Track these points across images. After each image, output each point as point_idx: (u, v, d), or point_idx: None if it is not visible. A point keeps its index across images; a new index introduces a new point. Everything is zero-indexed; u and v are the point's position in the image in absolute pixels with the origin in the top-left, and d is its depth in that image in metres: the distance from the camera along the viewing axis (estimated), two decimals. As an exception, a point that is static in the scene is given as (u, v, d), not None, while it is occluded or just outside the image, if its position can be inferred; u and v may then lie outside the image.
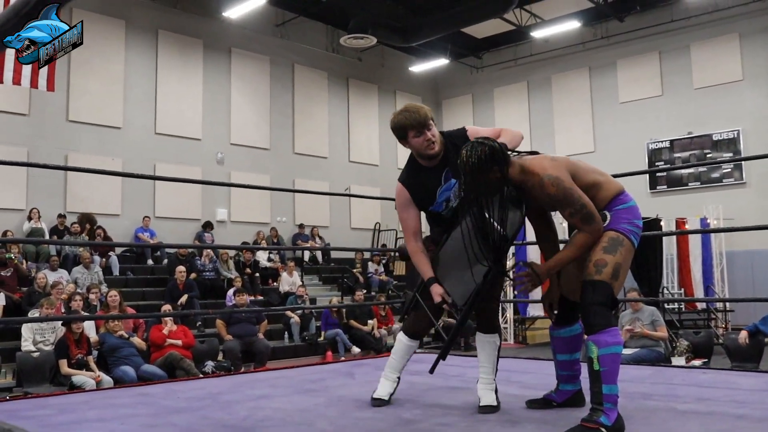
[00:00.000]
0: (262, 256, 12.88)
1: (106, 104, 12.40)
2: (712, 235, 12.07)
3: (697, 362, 6.88)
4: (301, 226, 14.67)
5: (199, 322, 9.62)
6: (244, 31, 14.39)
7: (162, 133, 13.15)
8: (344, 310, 10.43)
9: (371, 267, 13.82)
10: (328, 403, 3.15)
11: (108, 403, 3.26)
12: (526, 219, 2.81)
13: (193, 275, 10.56)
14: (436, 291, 2.84)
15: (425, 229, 3.04)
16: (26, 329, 6.91)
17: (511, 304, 11.96)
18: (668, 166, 13.93)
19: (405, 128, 2.84)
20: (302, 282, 11.92)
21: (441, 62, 16.85)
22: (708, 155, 13.95)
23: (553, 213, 2.93)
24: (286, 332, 10.29)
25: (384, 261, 14.54)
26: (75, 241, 10.40)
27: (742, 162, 13.46)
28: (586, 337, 2.55)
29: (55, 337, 6.88)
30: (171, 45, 13.44)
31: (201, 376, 6.87)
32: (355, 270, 13.72)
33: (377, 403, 3.00)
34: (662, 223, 11.35)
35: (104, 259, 10.86)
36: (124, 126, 12.66)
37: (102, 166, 11.02)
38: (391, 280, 13.64)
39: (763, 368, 6.11)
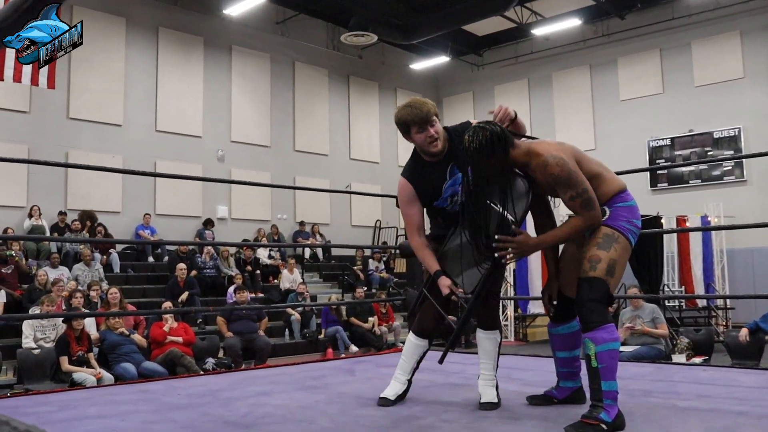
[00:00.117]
0: (262, 254, 12.88)
1: (106, 102, 12.40)
2: (713, 232, 12.08)
3: (697, 359, 6.88)
4: (301, 223, 14.67)
5: (200, 320, 9.63)
6: (245, 28, 14.38)
7: (162, 130, 13.14)
8: (344, 307, 10.44)
9: (372, 264, 13.83)
10: (329, 400, 3.15)
11: (109, 400, 3.27)
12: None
13: (193, 272, 10.57)
14: (444, 283, 2.80)
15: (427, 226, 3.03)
16: (27, 326, 6.92)
17: (512, 302, 11.97)
18: (669, 163, 13.91)
19: (407, 124, 2.82)
20: (303, 279, 11.94)
21: (442, 60, 16.83)
22: (709, 153, 13.94)
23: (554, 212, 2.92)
24: (286, 329, 10.30)
25: (384, 258, 14.55)
26: (76, 238, 10.41)
27: (743, 160, 13.45)
28: (583, 334, 2.55)
29: (56, 334, 6.89)
30: (171, 42, 13.43)
31: (201, 373, 6.86)
32: (355, 267, 13.73)
33: (381, 402, 2.97)
34: (663, 221, 11.35)
35: (105, 257, 10.87)
36: (124, 123, 12.65)
37: (103, 163, 11.01)
38: (392, 278, 13.65)
39: (763, 366, 6.11)
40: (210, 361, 7.85)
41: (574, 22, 14.78)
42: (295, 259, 12.64)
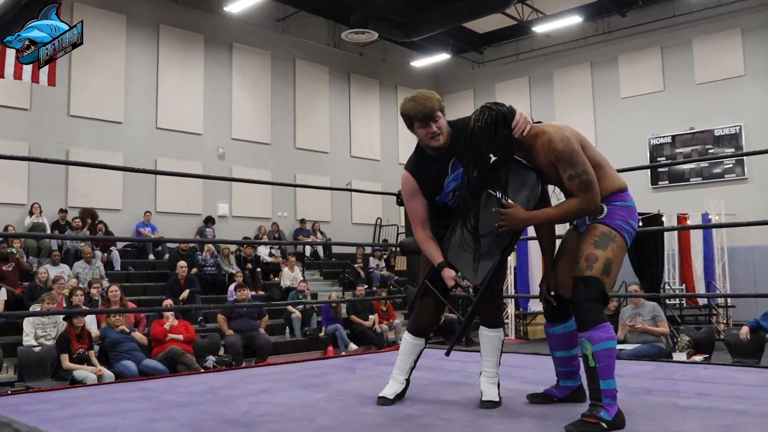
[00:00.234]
0: (263, 251, 12.88)
1: (107, 99, 12.39)
2: (714, 230, 12.06)
3: (698, 358, 6.88)
4: (302, 221, 14.67)
5: (201, 317, 9.64)
6: (245, 25, 14.37)
7: (163, 128, 13.14)
8: (344, 305, 10.44)
9: (372, 262, 13.82)
10: (329, 398, 3.15)
11: (109, 398, 3.27)
12: None
13: (194, 270, 10.57)
14: (448, 275, 2.79)
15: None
16: (28, 324, 6.93)
17: (513, 300, 11.97)
18: (670, 161, 13.90)
19: (410, 118, 2.82)
20: (303, 277, 11.94)
21: (442, 57, 16.81)
22: (710, 151, 13.93)
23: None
24: (287, 327, 10.31)
25: (385, 256, 14.54)
26: (76, 235, 10.42)
27: (744, 157, 13.44)
28: (579, 334, 2.54)
29: (57, 332, 6.90)
30: (172, 40, 13.42)
31: (202, 370, 6.88)
32: (356, 265, 13.73)
33: (380, 401, 2.97)
34: (664, 219, 11.35)
35: (105, 254, 10.87)
36: (125, 121, 12.65)
37: (103, 161, 10.94)
38: (393, 275, 13.65)
39: (764, 364, 6.10)
40: (210, 359, 7.86)
41: (575, 20, 14.76)
42: (295, 256, 12.64)
